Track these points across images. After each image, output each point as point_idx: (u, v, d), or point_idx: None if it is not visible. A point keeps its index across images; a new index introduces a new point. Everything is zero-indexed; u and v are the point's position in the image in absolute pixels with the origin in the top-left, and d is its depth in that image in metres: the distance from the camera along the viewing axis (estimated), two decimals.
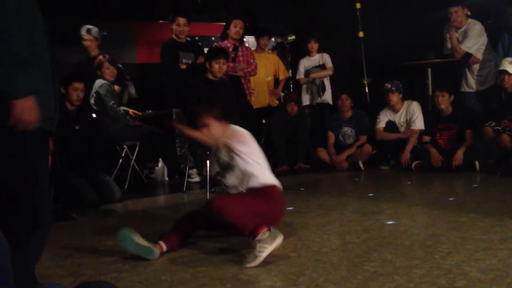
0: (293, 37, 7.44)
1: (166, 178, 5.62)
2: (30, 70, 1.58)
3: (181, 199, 4.44)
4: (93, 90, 4.82)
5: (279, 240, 2.35)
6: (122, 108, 5.12)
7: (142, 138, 5.05)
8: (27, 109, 1.57)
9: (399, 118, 5.53)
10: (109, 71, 4.91)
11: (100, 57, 4.95)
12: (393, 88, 5.43)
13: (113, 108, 4.83)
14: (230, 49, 5.34)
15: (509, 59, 4.78)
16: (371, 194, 4.11)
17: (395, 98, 5.44)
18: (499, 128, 4.64)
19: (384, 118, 5.57)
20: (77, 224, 3.57)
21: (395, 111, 5.54)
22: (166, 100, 5.39)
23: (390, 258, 2.28)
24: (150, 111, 5.69)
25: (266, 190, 2.71)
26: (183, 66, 5.11)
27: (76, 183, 4.05)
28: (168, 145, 5.39)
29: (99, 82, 4.85)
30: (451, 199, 3.74)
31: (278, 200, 2.76)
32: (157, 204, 4.41)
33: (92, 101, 4.83)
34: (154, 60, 5.68)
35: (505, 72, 4.70)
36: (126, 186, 4.92)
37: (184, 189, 4.68)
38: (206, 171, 4.35)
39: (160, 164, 5.61)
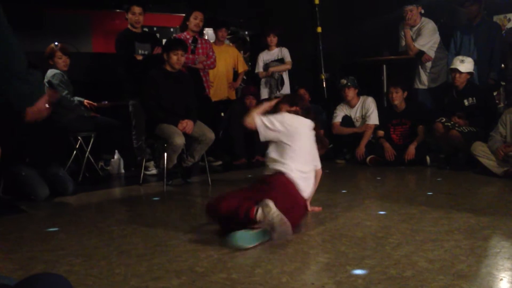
0: (234, 28, 7.49)
1: (122, 171, 5.53)
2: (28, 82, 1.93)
3: (137, 192, 4.38)
4: (45, 80, 4.68)
5: (271, 203, 2.39)
6: (77, 98, 4.99)
7: (98, 130, 4.95)
8: (37, 112, 2.00)
9: (355, 113, 5.65)
10: (62, 60, 4.78)
11: (52, 45, 4.80)
12: (349, 84, 5.53)
13: (66, 98, 4.71)
14: (189, 41, 5.30)
15: (460, 57, 4.96)
16: (326, 187, 4.19)
17: (351, 93, 5.55)
18: (449, 124, 4.82)
19: (340, 113, 5.68)
20: (28, 217, 3.46)
21: (351, 106, 5.65)
22: (122, 91, 5.29)
23: (343, 250, 2.34)
24: (106, 101, 5.58)
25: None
26: (140, 58, 5.02)
27: (27, 175, 3.93)
28: (124, 137, 5.30)
29: (51, 72, 4.72)
30: (403, 192, 3.87)
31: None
32: (112, 197, 4.34)
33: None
34: (110, 49, 5.56)
35: (456, 70, 4.86)
36: (80, 179, 4.81)
37: (141, 182, 4.62)
38: (163, 164, 4.31)
39: (116, 156, 5.51)
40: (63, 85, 4.69)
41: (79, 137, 4.94)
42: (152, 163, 5.24)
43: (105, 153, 5.50)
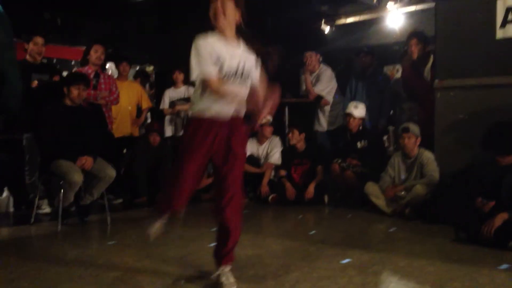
0: (151, 68, 7.42)
1: (11, 209, 5.13)
2: None
3: (27, 232, 4.08)
4: None
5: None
6: None
7: None
8: None
9: (262, 150, 5.79)
10: None
11: None
12: (271, 122, 5.73)
13: None
14: (91, 76, 5.15)
15: (354, 103, 5.33)
16: None
17: (269, 130, 5.74)
18: (344, 165, 5.11)
19: (248, 150, 5.78)
20: None
21: (261, 143, 5.80)
22: (16, 123, 4.96)
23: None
24: None
25: None
26: (35, 84, 4.74)
27: None
28: (15, 172, 4.94)
29: None
30: (302, 230, 4.01)
31: None
32: None
33: None
34: None
35: (350, 115, 5.21)
36: None
37: (32, 221, 4.30)
38: (59, 202, 4.07)
39: (5, 193, 5.11)
40: None
41: None
42: (45, 201, 4.91)
43: None
